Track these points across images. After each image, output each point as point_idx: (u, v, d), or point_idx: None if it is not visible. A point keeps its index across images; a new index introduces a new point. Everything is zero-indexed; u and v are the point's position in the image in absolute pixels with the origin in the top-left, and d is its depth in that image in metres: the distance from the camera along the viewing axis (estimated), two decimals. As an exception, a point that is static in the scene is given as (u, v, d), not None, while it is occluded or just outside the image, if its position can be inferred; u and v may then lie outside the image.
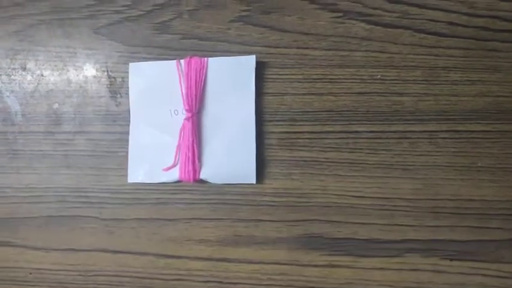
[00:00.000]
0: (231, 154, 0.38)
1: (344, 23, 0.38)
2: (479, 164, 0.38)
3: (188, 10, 0.39)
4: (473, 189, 0.38)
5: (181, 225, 0.38)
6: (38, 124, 0.39)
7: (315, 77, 0.38)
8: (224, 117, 0.38)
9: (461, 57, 0.38)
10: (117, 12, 0.40)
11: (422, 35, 0.38)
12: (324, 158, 0.38)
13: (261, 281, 0.38)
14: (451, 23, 0.38)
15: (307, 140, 0.38)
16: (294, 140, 0.38)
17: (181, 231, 0.38)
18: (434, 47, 0.38)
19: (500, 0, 0.38)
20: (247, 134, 0.37)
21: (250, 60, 0.37)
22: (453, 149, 0.38)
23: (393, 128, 0.38)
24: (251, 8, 0.39)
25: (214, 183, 0.37)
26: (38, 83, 0.40)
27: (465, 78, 0.38)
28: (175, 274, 0.39)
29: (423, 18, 0.38)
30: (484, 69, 0.38)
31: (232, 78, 0.38)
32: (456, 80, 0.38)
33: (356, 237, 0.38)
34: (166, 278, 0.39)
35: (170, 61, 0.38)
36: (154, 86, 0.38)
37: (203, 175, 0.38)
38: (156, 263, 0.39)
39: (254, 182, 0.37)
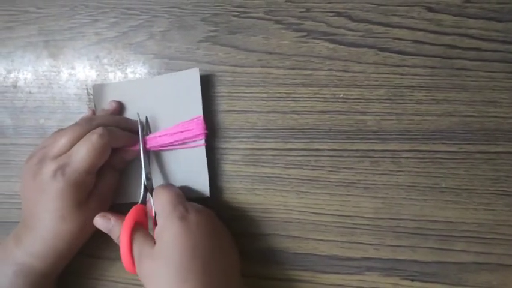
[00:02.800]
0: (184, 171, 0.32)
1: (307, 42, 0.32)
2: (443, 185, 0.31)
3: (160, 31, 0.35)
4: (436, 210, 0.30)
5: None
6: (27, 137, 0.35)
7: (278, 95, 0.32)
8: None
9: (426, 75, 0.31)
10: (96, 34, 0.35)
11: (386, 54, 0.32)
12: (287, 175, 0.32)
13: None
14: (416, 41, 0.31)
15: (270, 157, 0.32)
16: (257, 157, 0.32)
17: None
18: (398, 65, 0.31)
19: (468, 18, 0.31)
20: (198, 148, 0.31)
21: (194, 74, 0.31)
22: (416, 169, 0.31)
23: (355, 147, 0.31)
24: (218, 28, 0.34)
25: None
26: (26, 100, 0.35)
27: (430, 98, 0.31)
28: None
29: (387, 36, 0.32)
30: (451, 88, 0.31)
31: (180, 93, 0.31)
32: (420, 99, 0.31)
33: (316, 253, 0.31)
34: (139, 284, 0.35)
35: (130, 81, 0.33)
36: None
37: None
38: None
39: (208, 196, 0.31)
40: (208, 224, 0.27)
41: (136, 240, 0.27)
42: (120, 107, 0.33)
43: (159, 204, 0.28)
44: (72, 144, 0.28)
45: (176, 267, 0.25)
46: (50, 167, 0.27)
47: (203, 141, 0.31)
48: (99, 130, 0.28)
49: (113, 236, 0.29)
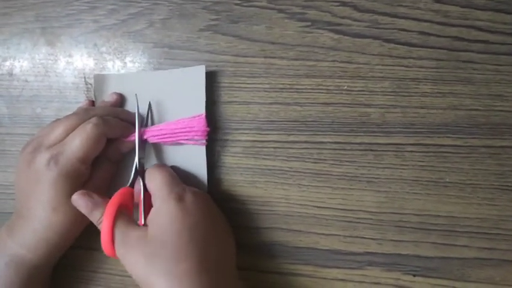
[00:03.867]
0: (182, 167, 0.31)
1: (311, 32, 0.31)
2: (447, 180, 0.30)
3: (160, 19, 0.34)
4: (440, 204, 0.29)
5: None
6: (23, 126, 0.34)
7: (281, 86, 0.31)
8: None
9: (432, 68, 0.30)
10: (94, 21, 0.34)
11: (392, 45, 0.31)
12: (288, 168, 0.31)
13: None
14: (422, 33, 0.30)
15: (272, 149, 0.31)
16: (259, 149, 0.31)
17: None
18: (404, 57, 0.30)
19: (476, 9, 0.30)
20: (198, 145, 0.30)
21: (200, 71, 0.30)
22: (420, 163, 0.30)
23: (359, 140, 0.30)
24: (220, 17, 0.32)
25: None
26: (23, 88, 0.34)
27: (436, 90, 0.30)
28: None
29: (393, 27, 0.31)
30: (457, 81, 0.30)
31: (183, 90, 0.30)
32: (426, 92, 0.30)
33: (317, 247, 0.30)
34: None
35: (133, 73, 0.32)
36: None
37: None
38: None
39: (206, 190, 0.30)
40: (204, 206, 0.26)
41: (118, 224, 0.26)
42: (121, 100, 0.32)
43: (154, 185, 0.27)
44: (67, 134, 0.27)
45: (173, 248, 0.24)
46: (44, 156, 0.27)
47: (204, 141, 0.30)
48: (94, 119, 0.27)
49: (94, 218, 0.27)
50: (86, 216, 0.28)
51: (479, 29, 0.28)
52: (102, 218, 0.26)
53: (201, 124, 0.30)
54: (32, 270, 0.28)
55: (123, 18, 0.33)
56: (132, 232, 0.25)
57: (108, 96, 0.32)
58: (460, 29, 0.29)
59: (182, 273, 0.23)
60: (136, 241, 0.25)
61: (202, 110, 0.30)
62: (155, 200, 0.26)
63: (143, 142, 0.30)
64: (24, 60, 0.34)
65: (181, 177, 0.29)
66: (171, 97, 0.31)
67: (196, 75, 0.30)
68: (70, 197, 0.27)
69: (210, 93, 0.31)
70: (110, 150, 0.30)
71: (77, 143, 0.27)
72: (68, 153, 0.27)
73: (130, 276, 0.32)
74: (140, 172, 0.29)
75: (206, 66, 0.31)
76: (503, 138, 0.28)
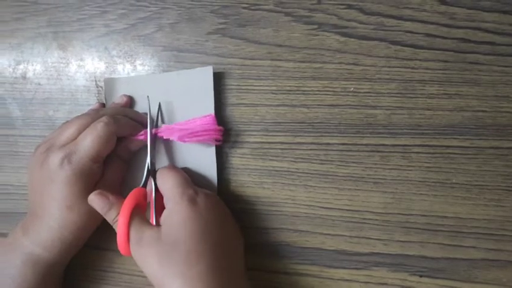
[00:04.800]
0: (193, 167, 0.31)
1: (318, 35, 0.31)
2: (454, 181, 0.30)
3: (169, 23, 0.34)
4: (446, 206, 0.29)
5: None
6: (35, 129, 0.34)
7: (288, 88, 0.31)
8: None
9: (438, 70, 0.30)
10: (105, 25, 0.34)
11: (398, 47, 0.31)
12: (295, 169, 0.31)
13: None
14: (428, 35, 0.30)
15: (279, 151, 0.31)
16: (266, 150, 0.31)
17: None
18: (410, 59, 0.30)
19: (482, 11, 0.30)
20: (208, 145, 0.31)
21: (208, 72, 0.30)
22: (426, 164, 0.30)
23: (365, 141, 0.30)
24: (228, 20, 0.33)
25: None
26: (35, 91, 0.34)
27: (442, 92, 0.30)
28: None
29: (399, 29, 0.31)
30: (463, 82, 0.30)
31: (192, 91, 0.31)
32: (432, 94, 0.30)
33: (323, 248, 0.31)
34: (141, 275, 0.35)
35: (142, 76, 0.32)
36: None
37: None
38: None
39: (216, 191, 0.30)
40: (216, 208, 0.27)
41: (133, 224, 0.26)
42: (131, 101, 0.32)
43: (166, 187, 0.27)
44: (79, 133, 0.28)
45: (186, 250, 0.24)
46: (57, 156, 0.27)
47: (218, 140, 0.30)
48: (104, 118, 0.28)
49: (109, 217, 0.27)
50: (99, 215, 0.28)
51: (486, 30, 0.28)
52: (117, 218, 0.26)
53: (213, 123, 0.30)
54: (47, 268, 0.29)
55: (133, 23, 0.33)
56: (146, 231, 0.26)
57: (118, 98, 0.32)
58: (466, 30, 0.29)
59: (196, 275, 0.24)
60: (150, 241, 0.25)
61: (211, 110, 0.30)
62: (168, 202, 0.26)
63: (154, 143, 0.30)
64: (37, 64, 0.35)
65: (192, 178, 0.29)
66: (180, 98, 0.31)
67: (204, 76, 0.30)
68: (84, 195, 0.28)
69: (218, 95, 0.31)
70: (120, 149, 0.30)
71: (89, 142, 0.27)
72: (80, 152, 0.27)
73: (139, 275, 0.33)
74: (152, 173, 0.29)
75: (214, 69, 0.31)
76: (510, 140, 0.28)
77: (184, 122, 0.31)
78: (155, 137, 0.31)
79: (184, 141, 0.30)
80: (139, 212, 0.27)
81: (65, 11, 0.34)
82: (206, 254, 0.24)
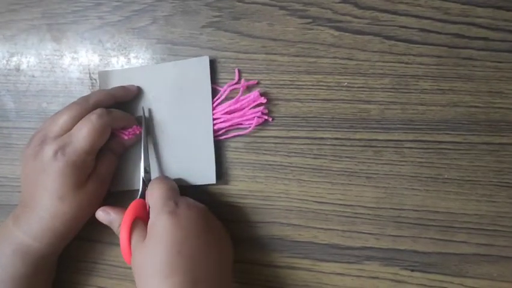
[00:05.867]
0: (191, 156, 0.31)
1: (312, 29, 0.31)
2: (446, 176, 0.30)
3: (164, 16, 0.34)
4: (438, 200, 0.29)
5: None
6: (29, 121, 0.34)
7: (282, 82, 0.30)
8: (183, 120, 0.31)
9: (432, 65, 0.30)
10: (99, 18, 0.34)
11: (392, 42, 0.30)
12: (288, 163, 0.31)
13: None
14: (423, 30, 0.30)
15: (272, 145, 0.30)
16: (260, 144, 0.31)
17: None
18: (404, 54, 0.30)
19: (476, 6, 0.30)
20: (205, 135, 0.30)
21: (204, 62, 0.30)
22: (419, 159, 0.30)
23: (358, 136, 0.30)
24: (222, 13, 0.32)
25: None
26: (29, 84, 0.34)
27: (435, 87, 0.30)
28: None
29: (394, 24, 0.30)
30: (457, 78, 0.30)
31: (188, 81, 0.31)
32: (425, 89, 0.30)
33: (316, 242, 0.30)
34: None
35: (136, 67, 0.32)
36: None
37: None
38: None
39: (214, 182, 0.30)
40: (198, 219, 0.26)
41: (134, 234, 0.27)
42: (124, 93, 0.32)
43: (151, 198, 0.27)
44: (72, 123, 0.28)
45: (162, 261, 0.24)
46: (51, 147, 0.27)
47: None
48: (99, 110, 0.28)
49: (114, 229, 0.29)
50: (90, 207, 0.28)
51: (480, 26, 0.28)
52: (119, 229, 0.27)
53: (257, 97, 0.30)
54: (38, 259, 0.28)
55: (127, 15, 0.33)
56: (140, 241, 0.26)
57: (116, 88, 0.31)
58: (460, 26, 0.28)
59: (172, 286, 0.24)
60: (138, 250, 0.26)
61: (208, 100, 0.30)
62: (151, 213, 0.27)
63: (147, 149, 0.31)
64: (31, 56, 0.35)
65: (188, 168, 0.29)
66: (177, 89, 0.31)
67: (201, 66, 0.30)
68: (76, 187, 0.28)
69: (212, 90, 0.31)
70: (114, 143, 0.30)
71: (84, 134, 0.27)
72: (74, 144, 0.27)
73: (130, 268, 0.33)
74: (147, 182, 0.29)
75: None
76: (502, 135, 0.28)
77: (227, 104, 0.30)
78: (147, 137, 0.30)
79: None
80: (139, 223, 0.27)
81: (59, 3, 0.34)
82: (181, 267, 0.24)
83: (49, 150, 0.27)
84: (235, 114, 0.30)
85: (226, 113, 0.30)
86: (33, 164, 0.27)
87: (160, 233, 0.25)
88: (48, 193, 0.27)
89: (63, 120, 0.28)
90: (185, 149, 0.31)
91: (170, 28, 0.32)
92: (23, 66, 0.35)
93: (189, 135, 0.31)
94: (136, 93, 0.31)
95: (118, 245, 0.31)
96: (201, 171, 0.30)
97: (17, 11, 0.35)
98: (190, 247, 0.25)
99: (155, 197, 0.27)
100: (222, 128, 0.31)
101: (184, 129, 0.31)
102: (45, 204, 0.27)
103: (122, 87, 0.31)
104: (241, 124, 0.31)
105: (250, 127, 0.30)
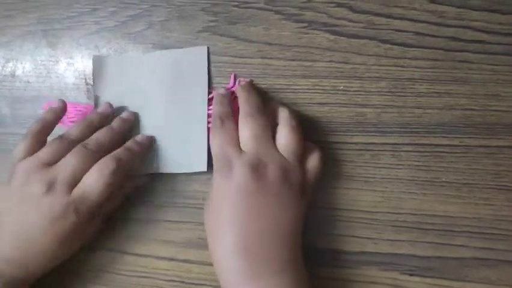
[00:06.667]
0: (182, 143, 0.30)
1: (308, 33, 0.31)
2: (443, 179, 0.30)
3: (160, 21, 0.33)
4: (436, 204, 0.29)
5: (148, 226, 0.32)
6: (25, 127, 0.32)
7: (278, 87, 0.30)
8: (177, 106, 0.31)
9: (428, 68, 0.30)
10: (95, 23, 0.34)
11: (388, 46, 0.30)
12: (285, 167, 0.32)
13: (220, 284, 0.32)
14: (418, 33, 0.29)
15: (269, 149, 0.32)
16: None
17: (148, 231, 0.32)
18: (400, 58, 0.30)
19: (471, 10, 0.30)
20: (200, 123, 0.30)
21: (202, 52, 0.30)
22: (416, 163, 0.29)
23: (355, 140, 0.30)
24: (218, 18, 0.32)
25: (169, 173, 0.30)
26: (25, 89, 0.34)
27: (431, 90, 0.30)
28: (140, 271, 0.33)
29: (389, 28, 0.30)
30: (453, 81, 0.30)
31: (184, 70, 0.31)
32: (422, 92, 0.30)
33: (312, 247, 0.30)
34: (131, 275, 0.34)
35: (132, 56, 0.32)
36: (118, 80, 0.32)
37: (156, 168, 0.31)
38: (123, 260, 0.32)
39: (205, 170, 0.30)
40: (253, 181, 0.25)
41: None
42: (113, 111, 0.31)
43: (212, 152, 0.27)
44: (82, 172, 0.27)
45: (211, 226, 0.26)
46: (62, 199, 0.26)
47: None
48: (110, 164, 0.27)
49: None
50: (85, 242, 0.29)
51: (475, 29, 0.28)
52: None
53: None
54: (15, 284, 0.27)
55: (123, 20, 0.33)
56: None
57: (102, 106, 0.31)
58: (455, 29, 0.28)
59: (220, 252, 0.24)
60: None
61: (204, 87, 0.30)
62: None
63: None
64: (27, 62, 0.34)
65: (180, 154, 0.30)
66: (172, 76, 0.31)
67: (199, 56, 0.30)
68: (81, 235, 0.28)
69: (208, 93, 0.31)
70: (125, 185, 0.31)
71: (98, 190, 0.26)
72: (90, 198, 0.26)
73: (135, 275, 0.32)
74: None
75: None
76: (499, 138, 0.28)
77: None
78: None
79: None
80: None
81: (55, 9, 0.34)
82: (230, 230, 0.25)
83: (60, 205, 0.26)
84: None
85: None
86: (35, 207, 0.26)
87: (213, 195, 0.26)
88: (51, 239, 0.26)
89: (74, 167, 0.27)
90: (178, 136, 0.31)
91: (166, 33, 0.32)
92: (19, 72, 0.35)
93: (183, 122, 0.31)
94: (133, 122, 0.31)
95: (120, 252, 0.31)
96: (193, 158, 0.30)
97: (13, 17, 0.34)
98: (239, 211, 0.25)
99: (215, 152, 0.26)
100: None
101: (178, 115, 0.31)
102: (45, 248, 0.26)
103: (120, 119, 0.31)
104: None
105: None
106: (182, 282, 0.32)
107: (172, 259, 0.32)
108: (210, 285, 0.31)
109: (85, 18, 0.33)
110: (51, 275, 0.32)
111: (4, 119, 0.35)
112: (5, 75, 0.35)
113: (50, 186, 0.26)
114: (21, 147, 0.28)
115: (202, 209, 0.28)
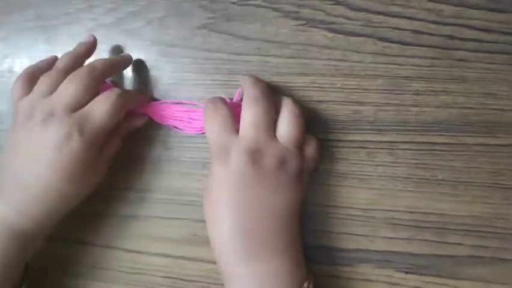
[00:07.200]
0: None
1: (306, 31, 0.30)
2: (440, 177, 0.30)
3: (158, 17, 0.33)
4: (433, 202, 0.28)
5: (144, 223, 0.32)
6: None
7: (275, 84, 0.30)
8: None
9: (425, 66, 0.29)
10: (92, 19, 0.33)
11: (385, 44, 0.30)
12: (282, 165, 0.32)
13: (215, 280, 0.31)
14: (416, 31, 0.29)
15: (266, 146, 0.32)
16: None
17: (144, 228, 0.32)
18: (397, 55, 0.30)
19: (469, 8, 0.30)
20: None
21: None
22: (413, 161, 0.29)
23: (351, 138, 0.29)
24: (216, 15, 0.32)
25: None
26: (22, 85, 0.36)
27: (429, 89, 0.30)
28: (136, 268, 0.33)
29: (387, 26, 0.30)
30: (450, 79, 0.30)
31: None
32: (419, 90, 0.30)
33: (308, 244, 0.29)
34: (127, 271, 0.34)
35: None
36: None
37: None
38: (118, 256, 0.32)
39: None
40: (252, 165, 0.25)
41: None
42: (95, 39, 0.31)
43: (208, 136, 0.26)
44: (85, 97, 0.26)
45: (210, 211, 0.26)
46: (64, 124, 0.25)
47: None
48: (117, 90, 0.27)
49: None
50: (92, 188, 0.28)
51: (473, 27, 0.28)
52: None
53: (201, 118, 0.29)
54: (31, 238, 0.27)
55: (121, 16, 0.32)
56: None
57: (78, 46, 0.30)
58: (453, 27, 0.28)
59: (218, 236, 0.24)
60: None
61: None
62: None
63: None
64: (24, 58, 0.34)
65: None
66: None
67: None
68: (88, 168, 0.27)
69: (206, 90, 0.31)
70: (124, 124, 0.30)
71: (105, 111, 0.26)
72: (94, 121, 0.26)
73: (130, 272, 0.32)
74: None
75: (202, 64, 0.30)
76: (496, 137, 0.28)
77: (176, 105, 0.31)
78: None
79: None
80: None
81: (52, 5, 0.34)
82: (230, 215, 0.25)
83: (63, 127, 0.25)
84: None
85: None
86: (38, 139, 0.25)
87: (210, 180, 0.26)
88: (57, 175, 0.25)
89: (75, 91, 0.26)
90: None
91: (164, 30, 0.32)
92: (16, 68, 0.34)
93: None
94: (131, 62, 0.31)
95: (115, 248, 0.31)
96: None
97: (10, 13, 0.34)
98: (238, 195, 0.25)
99: (211, 136, 0.26)
100: None
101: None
102: (52, 186, 0.26)
103: (121, 57, 0.31)
104: None
105: None
106: (178, 278, 0.32)
107: (167, 256, 0.32)
108: (205, 282, 0.31)
109: (82, 15, 0.33)
110: (50, 275, 0.32)
111: (1, 115, 0.35)
112: (2, 71, 0.35)
113: (51, 113, 0.26)
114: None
115: (199, 206, 0.28)
